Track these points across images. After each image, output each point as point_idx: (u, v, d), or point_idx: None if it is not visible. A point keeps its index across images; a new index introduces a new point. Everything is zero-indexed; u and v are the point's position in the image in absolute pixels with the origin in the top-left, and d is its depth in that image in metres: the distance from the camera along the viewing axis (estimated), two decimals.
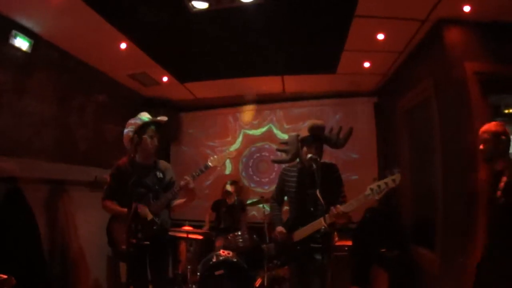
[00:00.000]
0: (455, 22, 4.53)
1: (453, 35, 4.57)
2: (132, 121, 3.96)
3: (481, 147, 3.47)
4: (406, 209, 6.16)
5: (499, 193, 3.18)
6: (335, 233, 4.04)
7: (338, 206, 3.48)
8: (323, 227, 3.51)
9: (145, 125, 3.92)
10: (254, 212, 7.77)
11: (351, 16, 4.55)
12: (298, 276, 3.93)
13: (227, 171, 8.18)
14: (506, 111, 5.13)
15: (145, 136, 3.90)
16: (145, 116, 3.98)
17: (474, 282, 3.40)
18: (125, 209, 3.71)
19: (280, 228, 3.94)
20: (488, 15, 4.35)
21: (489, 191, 3.40)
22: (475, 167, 4.16)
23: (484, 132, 3.44)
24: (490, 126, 3.44)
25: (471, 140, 4.19)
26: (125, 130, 3.95)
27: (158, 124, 4.01)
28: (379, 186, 3.37)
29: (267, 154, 8.07)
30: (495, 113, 4.56)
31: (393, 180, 3.36)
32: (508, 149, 3.42)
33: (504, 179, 3.19)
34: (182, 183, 3.83)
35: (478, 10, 4.25)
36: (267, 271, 5.78)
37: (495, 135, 3.37)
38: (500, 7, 4.17)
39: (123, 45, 5.14)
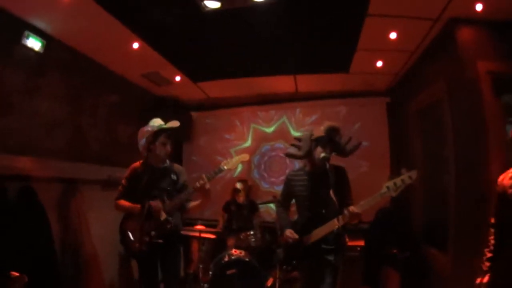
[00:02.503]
0: (467, 21, 4.48)
1: (465, 34, 4.52)
2: (144, 129, 4.05)
3: None
4: (418, 210, 6.14)
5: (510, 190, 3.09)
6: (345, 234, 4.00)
7: (352, 207, 3.43)
8: (336, 227, 3.49)
9: (157, 133, 3.99)
10: (270, 207, 7.73)
11: (363, 15, 4.52)
12: (309, 277, 3.91)
13: (238, 171, 8.13)
14: None
15: (157, 143, 3.98)
16: (157, 123, 4.05)
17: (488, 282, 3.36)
18: (138, 205, 3.81)
19: (290, 231, 3.89)
20: (500, 13, 4.29)
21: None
22: (488, 167, 4.12)
23: None
24: None
25: (484, 140, 4.16)
26: (139, 141, 4.07)
27: (169, 130, 4.05)
28: (395, 184, 3.34)
29: (279, 154, 8.04)
30: (508, 113, 4.50)
31: (410, 177, 3.32)
32: None
33: None
34: (198, 184, 3.84)
35: (490, 9, 4.19)
36: (279, 272, 5.77)
37: None
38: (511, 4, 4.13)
39: (135, 45, 5.15)
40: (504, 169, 3.74)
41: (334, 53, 5.86)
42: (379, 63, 5.98)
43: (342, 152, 3.77)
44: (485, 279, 3.25)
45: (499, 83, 4.27)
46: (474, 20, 4.43)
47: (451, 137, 4.83)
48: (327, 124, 3.73)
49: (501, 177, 3.24)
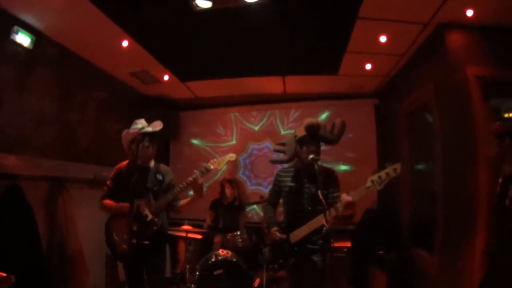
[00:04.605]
0: (457, 26, 4.54)
1: (455, 39, 4.58)
2: (128, 131, 4.05)
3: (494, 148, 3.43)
4: (406, 211, 6.18)
5: (507, 202, 3.16)
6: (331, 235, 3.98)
7: (344, 194, 3.39)
8: (325, 228, 3.47)
9: (140, 136, 3.98)
10: (255, 208, 7.75)
11: (354, 18, 4.55)
12: (296, 277, 3.90)
13: (224, 169, 8.07)
14: (506, 115, 5.13)
15: (140, 146, 3.97)
16: (140, 124, 4.03)
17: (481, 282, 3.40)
18: (125, 204, 3.81)
19: (276, 229, 3.90)
20: (490, 19, 4.36)
21: (496, 196, 3.38)
22: (476, 170, 4.18)
23: (492, 133, 3.41)
24: (496, 127, 3.42)
25: (472, 144, 4.21)
26: (123, 143, 4.09)
27: (153, 133, 4.03)
28: (380, 177, 3.29)
29: (267, 154, 8.05)
30: (496, 117, 4.55)
31: (394, 170, 3.27)
32: None
33: None
34: (191, 178, 3.83)
35: (481, 14, 4.25)
36: (266, 272, 5.77)
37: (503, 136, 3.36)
38: (502, 11, 4.17)
39: (125, 43, 5.12)
40: (492, 171, 3.81)
41: (323, 55, 5.87)
42: (368, 66, 6.02)
43: (331, 141, 3.78)
44: None
45: (487, 87, 4.33)
46: (464, 25, 4.49)
47: (439, 140, 4.88)
48: (306, 122, 3.73)
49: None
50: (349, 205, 3.36)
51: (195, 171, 3.86)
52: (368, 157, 7.29)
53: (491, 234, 3.34)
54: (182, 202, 4.12)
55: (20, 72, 4.63)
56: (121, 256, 3.96)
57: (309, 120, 3.74)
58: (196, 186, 3.90)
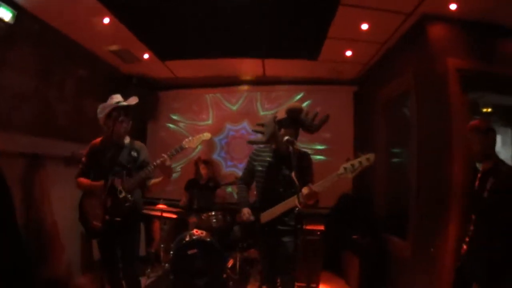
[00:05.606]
0: (440, 18, 4.58)
1: (437, 31, 4.62)
2: (103, 105, 4.02)
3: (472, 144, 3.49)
4: (380, 198, 6.29)
5: (486, 194, 3.26)
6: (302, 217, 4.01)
7: (310, 185, 3.42)
8: (297, 208, 3.48)
9: (114, 110, 3.95)
10: (230, 190, 7.78)
11: (336, 4, 4.56)
12: (268, 258, 3.97)
13: (199, 149, 8.05)
14: (484, 109, 5.22)
15: (116, 121, 3.93)
16: (116, 99, 4.01)
17: (457, 268, 3.53)
18: (99, 182, 3.82)
19: (246, 210, 3.92)
20: (473, 14, 4.41)
21: (476, 188, 3.47)
22: (449, 160, 4.27)
23: (475, 129, 3.47)
24: (481, 123, 3.48)
25: (447, 134, 4.28)
26: (98, 117, 4.04)
27: (128, 107, 4.01)
28: (352, 165, 3.33)
29: (244, 136, 8.07)
30: (473, 111, 4.64)
31: (368, 159, 3.32)
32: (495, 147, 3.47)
33: (491, 180, 3.26)
34: (158, 161, 3.81)
35: (464, 9, 4.30)
36: (239, 253, 5.82)
37: (486, 132, 3.42)
38: (485, 7, 4.24)
39: (106, 20, 5.06)
40: (466, 163, 3.90)
41: (304, 40, 5.88)
42: (349, 53, 6.06)
43: (310, 128, 3.77)
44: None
45: (466, 80, 4.39)
46: (447, 18, 4.53)
47: (415, 129, 4.96)
48: (288, 105, 3.75)
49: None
50: (311, 195, 3.40)
51: (163, 154, 3.83)
52: (345, 143, 7.37)
53: (468, 222, 3.44)
54: (152, 181, 4.11)
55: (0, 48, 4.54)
56: (94, 233, 3.94)
57: (292, 104, 3.78)
58: (164, 168, 3.87)
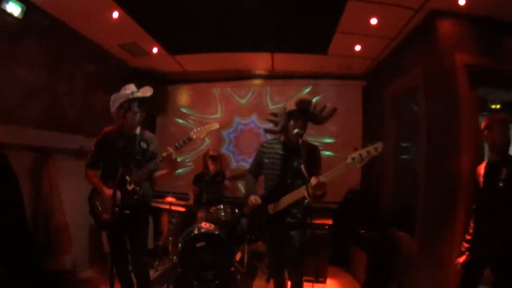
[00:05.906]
0: (448, 14, 4.55)
1: (446, 26, 4.59)
2: (117, 95, 4.00)
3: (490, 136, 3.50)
4: (388, 193, 6.26)
5: (501, 183, 3.25)
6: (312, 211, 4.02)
7: (318, 176, 3.44)
8: (306, 201, 3.52)
9: (129, 101, 3.93)
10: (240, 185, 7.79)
11: None
12: (276, 251, 4.00)
13: (207, 143, 8.13)
14: (493, 106, 5.19)
15: (129, 112, 3.93)
16: (130, 90, 3.98)
17: (466, 261, 3.54)
18: (108, 191, 3.84)
19: (253, 196, 3.95)
20: (482, 10, 4.38)
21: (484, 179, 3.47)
22: (458, 155, 4.25)
23: (503, 120, 3.47)
24: (505, 116, 3.50)
25: (456, 130, 4.27)
26: (111, 107, 4.02)
27: (142, 99, 4.00)
28: (360, 155, 3.35)
29: (253, 130, 8.08)
30: (481, 107, 4.61)
31: (375, 149, 3.34)
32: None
33: (505, 170, 3.25)
34: (164, 154, 3.83)
35: (473, 4, 4.27)
36: (248, 247, 5.85)
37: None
38: (494, 3, 4.21)
39: (115, 14, 5.07)
40: (474, 159, 3.89)
41: (313, 34, 5.86)
42: (358, 47, 6.03)
43: (318, 120, 3.81)
44: (462, 259, 3.55)
45: (475, 76, 4.36)
46: (456, 13, 4.50)
47: (424, 124, 4.94)
48: (298, 97, 3.76)
49: (479, 167, 3.53)
50: (319, 186, 3.41)
51: (168, 148, 3.84)
52: (353, 138, 7.28)
53: (473, 219, 3.46)
54: (158, 173, 4.13)
55: (9, 42, 4.57)
56: (103, 225, 3.98)
57: (301, 96, 3.77)
58: (170, 161, 3.89)
